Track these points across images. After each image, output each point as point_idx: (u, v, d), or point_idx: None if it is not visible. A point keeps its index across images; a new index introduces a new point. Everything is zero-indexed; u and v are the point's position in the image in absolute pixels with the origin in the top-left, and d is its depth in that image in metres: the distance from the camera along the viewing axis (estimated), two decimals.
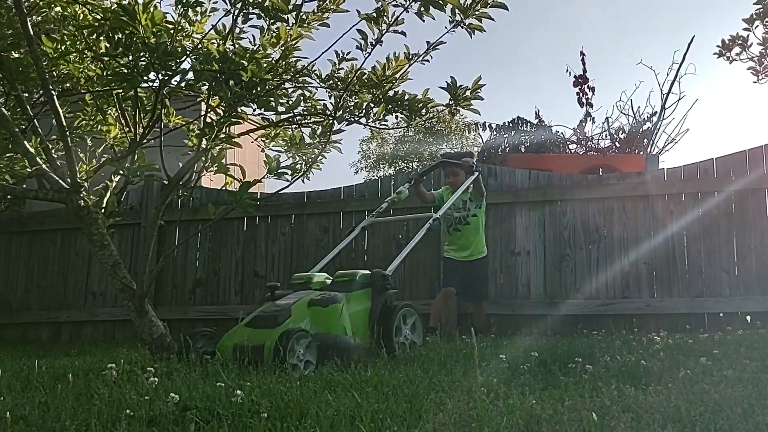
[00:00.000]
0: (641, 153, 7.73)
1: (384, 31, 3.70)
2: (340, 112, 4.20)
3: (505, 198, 5.42)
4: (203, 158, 4.10)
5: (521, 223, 5.39)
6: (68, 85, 4.57)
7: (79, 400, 2.28)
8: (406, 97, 4.24)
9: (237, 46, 3.98)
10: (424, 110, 4.22)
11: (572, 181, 5.42)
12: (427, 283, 5.55)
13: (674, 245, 5.08)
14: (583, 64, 8.25)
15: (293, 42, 3.97)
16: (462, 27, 3.59)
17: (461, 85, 3.98)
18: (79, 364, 3.45)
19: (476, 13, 3.54)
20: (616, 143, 8.07)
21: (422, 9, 3.53)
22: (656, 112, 7.85)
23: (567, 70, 8.27)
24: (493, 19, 3.57)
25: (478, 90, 3.95)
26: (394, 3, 3.62)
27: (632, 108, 8.05)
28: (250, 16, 4.00)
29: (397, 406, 2.15)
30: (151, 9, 3.37)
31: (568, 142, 8.17)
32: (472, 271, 4.99)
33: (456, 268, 5.02)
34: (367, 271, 3.97)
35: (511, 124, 7.89)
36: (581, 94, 8.16)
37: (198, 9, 3.96)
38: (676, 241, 5.08)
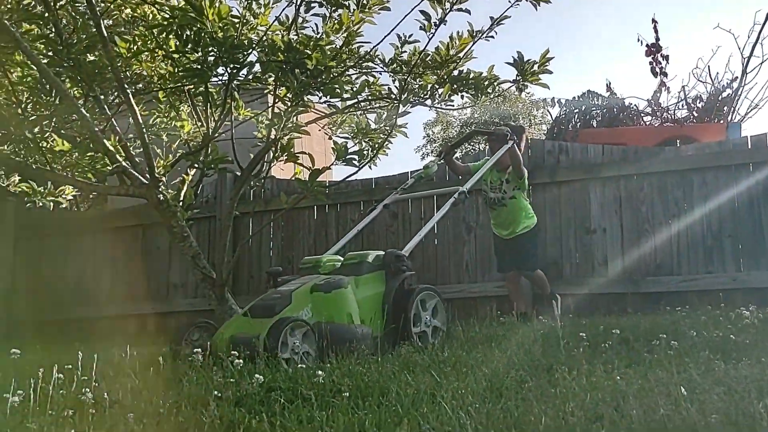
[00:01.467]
0: (721, 121, 7.36)
1: (448, 10, 3.66)
2: (405, 94, 4.19)
3: (577, 175, 5.26)
4: (273, 148, 4.19)
5: (596, 199, 5.23)
6: (141, 85, 4.74)
7: (169, 384, 2.38)
8: (471, 75, 4.19)
9: (301, 35, 4.03)
10: (490, 88, 4.16)
11: (648, 154, 5.22)
12: None
13: (761, 216, 4.82)
14: (656, 32, 7.92)
15: (355, 28, 3.99)
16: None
17: (528, 60, 3.90)
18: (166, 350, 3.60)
19: None
20: (694, 113, 7.72)
21: None
22: (737, 78, 7.46)
23: (638, 39, 7.96)
24: None
25: (547, 63, 3.86)
26: None
27: (710, 75, 7.69)
28: (312, 5, 4.04)
29: (476, 384, 2.14)
30: (218, 4, 3.44)
31: (642, 114, 7.87)
32: (514, 247, 4.68)
33: (501, 246, 4.81)
34: (380, 252, 3.64)
35: (581, 99, 7.66)
36: (654, 64, 7.84)
37: (261, 1, 4.02)
38: (763, 211, 4.82)
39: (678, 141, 6.38)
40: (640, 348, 2.83)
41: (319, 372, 2.18)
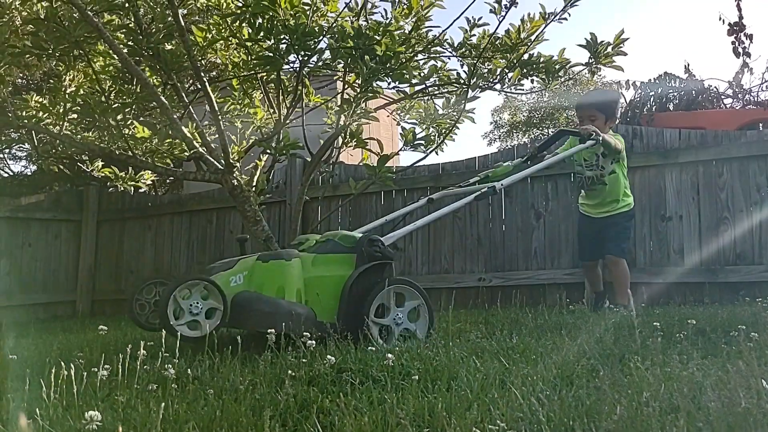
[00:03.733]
0: None
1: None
2: (474, 79, 4.15)
3: (652, 160, 5.10)
4: (342, 134, 4.24)
5: (672, 186, 5.06)
6: (215, 73, 4.88)
7: (245, 362, 2.47)
8: (542, 59, 4.11)
9: (370, 21, 4.05)
10: (561, 72, 4.07)
11: (729, 139, 4.99)
12: (569, 253, 5.38)
13: None
14: (739, 10, 7.54)
15: (425, 12, 3.98)
16: None
17: (602, 41, 3.80)
18: (241, 330, 3.73)
19: None
20: None
21: None
22: None
23: (720, 18, 7.60)
24: None
25: (621, 45, 3.74)
26: None
27: None
28: None
29: (546, 371, 2.13)
30: None
31: (722, 97, 7.52)
32: (609, 227, 4.21)
33: (591, 229, 4.32)
34: (357, 234, 3.31)
35: (657, 81, 7.38)
36: (737, 43, 7.47)
37: None
38: None
39: (761, 124, 6.06)
40: (718, 339, 2.74)
41: (389, 355, 2.22)
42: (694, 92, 7.31)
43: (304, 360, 2.30)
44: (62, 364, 2.05)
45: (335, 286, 2.99)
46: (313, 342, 2.40)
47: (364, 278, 3.01)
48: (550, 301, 4.98)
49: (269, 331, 2.48)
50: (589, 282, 4.67)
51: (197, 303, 2.75)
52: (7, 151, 10.86)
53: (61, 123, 4.32)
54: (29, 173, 11.31)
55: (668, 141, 5.13)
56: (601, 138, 3.91)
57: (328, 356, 2.21)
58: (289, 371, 2.09)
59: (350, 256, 3.10)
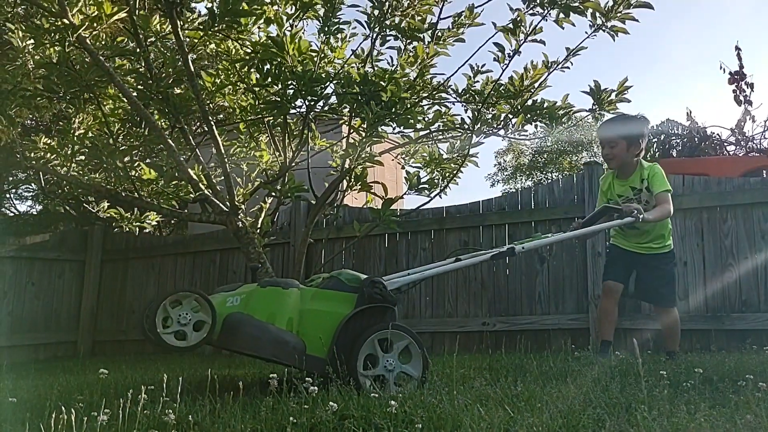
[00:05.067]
0: None
1: (522, 42, 3.66)
2: (478, 125, 4.20)
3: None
4: (347, 177, 4.27)
5: (676, 231, 5.05)
6: (222, 115, 4.96)
7: (246, 408, 2.44)
8: (546, 105, 4.17)
9: (376, 68, 4.12)
10: (565, 117, 4.12)
11: (732, 186, 5.01)
12: (574, 298, 5.35)
13: None
14: (739, 59, 7.66)
15: (429, 60, 4.05)
16: (604, 30, 3.48)
17: (606, 89, 3.85)
18: (242, 373, 3.69)
19: (618, 15, 3.41)
20: None
21: (561, 16, 3.46)
22: None
23: (721, 67, 7.72)
24: (637, 20, 3.43)
25: (625, 92, 3.80)
26: (531, 12, 3.58)
27: None
28: (387, 38, 4.13)
29: (552, 421, 2.10)
30: (298, 40, 3.57)
31: (725, 144, 7.58)
32: (651, 264, 3.84)
33: (623, 255, 3.91)
34: (363, 275, 3.21)
35: (660, 127, 7.45)
36: (738, 92, 7.57)
37: (338, 35, 4.15)
38: None
39: (765, 171, 6.09)
40: (725, 389, 2.70)
41: (392, 402, 2.19)
42: (697, 139, 7.38)
43: (305, 406, 2.27)
44: (62, 407, 2.03)
45: (331, 322, 2.93)
46: (315, 388, 2.37)
47: (360, 319, 2.94)
48: (555, 347, 4.93)
49: (271, 375, 2.45)
50: (602, 315, 3.94)
51: (186, 314, 2.74)
52: (13, 191, 10.95)
53: (68, 164, 4.37)
54: (35, 213, 11.38)
55: (672, 187, 5.13)
56: (641, 217, 3.58)
57: (331, 402, 2.18)
58: (291, 418, 2.07)
59: (351, 296, 3.04)
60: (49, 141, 4.52)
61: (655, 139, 7.42)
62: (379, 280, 3.06)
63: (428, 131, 4.45)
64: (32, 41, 4.05)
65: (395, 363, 2.92)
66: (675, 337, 3.93)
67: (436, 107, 4.39)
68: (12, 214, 11.40)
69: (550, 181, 14.82)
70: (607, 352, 3.67)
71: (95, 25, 3.97)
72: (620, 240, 3.98)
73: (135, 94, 4.16)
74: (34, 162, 4.50)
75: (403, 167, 4.99)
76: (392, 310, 3.06)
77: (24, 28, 4.10)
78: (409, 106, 3.99)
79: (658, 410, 2.21)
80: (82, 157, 4.50)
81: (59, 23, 3.85)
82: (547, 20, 3.57)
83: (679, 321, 3.94)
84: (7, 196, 11.13)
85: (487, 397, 2.57)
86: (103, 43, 4.23)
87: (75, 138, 4.35)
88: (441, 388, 2.76)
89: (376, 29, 3.97)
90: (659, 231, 3.88)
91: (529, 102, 4.16)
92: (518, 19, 3.62)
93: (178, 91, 4.31)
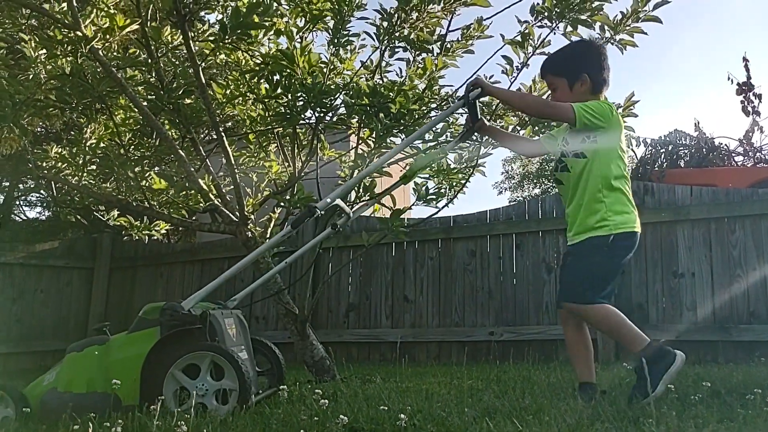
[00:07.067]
0: None
1: (530, 55, 3.68)
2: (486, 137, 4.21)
3: (664, 216, 5.12)
4: (356, 188, 4.29)
5: (683, 242, 5.06)
6: (230, 124, 4.99)
7: (256, 420, 2.46)
8: None
9: (385, 79, 4.15)
10: None
11: (741, 196, 5.02)
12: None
13: None
14: (747, 70, 7.68)
15: (438, 72, 4.07)
16: (612, 44, 3.50)
17: (612, 103, 3.85)
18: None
19: (627, 28, 3.43)
20: None
21: (569, 29, 3.48)
22: None
23: (729, 78, 7.73)
24: (646, 33, 3.44)
25: (632, 107, 3.80)
26: (539, 25, 3.60)
27: None
28: (396, 50, 4.16)
29: None
30: (308, 53, 3.60)
31: (733, 155, 7.58)
32: (570, 261, 2.79)
33: (564, 259, 2.92)
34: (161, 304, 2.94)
35: (667, 138, 7.46)
36: (746, 103, 7.58)
37: (348, 47, 4.18)
38: None
39: None
40: (733, 402, 2.70)
41: (402, 415, 2.20)
42: (704, 149, 7.38)
43: (315, 418, 2.29)
44: (77, 418, 2.05)
45: (136, 365, 2.71)
46: (326, 401, 2.39)
47: (161, 351, 2.72)
48: (563, 357, 4.93)
49: (281, 387, 2.46)
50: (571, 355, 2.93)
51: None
52: (23, 198, 11.05)
53: (80, 174, 4.41)
54: (43, 218, 11.47)
55: (680, 197, 5.15)
56: (487, 90, 2.81)
57: (341, 416, 2.20)
58: (302, 431, 2.08)
59: (154, 330, 2.83)
60: (60, 150, 4.57)
61: (663, 150, 7.43)
62: (171, 304, 2.86)
63: (436, 142, 4.46)
64: (44, 51, 4.10)
65: (207, 384, 2.69)
66: (623, 335, 2.66)
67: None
68: (20, 220, 11.49)
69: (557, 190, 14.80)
70: (587, 393, 2.75)
71: (107, 36, 4.02)
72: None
73: (146, 104, 4.21)
74: (45, 171, 4.55)
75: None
76: (198, 330, 2.79)
77: (37, 39, 4.16)
78: (417, 117, 4.01)
79: (666, 425, 2.22)
80: (94, 167, 4.54)
81: (72, 35, 3.90)
82: (555, 33, 3.59)
83: (615, 316, 2.64)
84: (17, 203, 11.22)
85: (495, 410, 2.59)
86: (114, 54, 4.27)
87: (87, 148, 4.39)
88: (450, 400, 2.78)
89: (386, 41, 3.99)
90: (583, 210, 2.71)
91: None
92: (527, 32, 3.64)
93: (189, 101, 4.35)
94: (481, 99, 4.29)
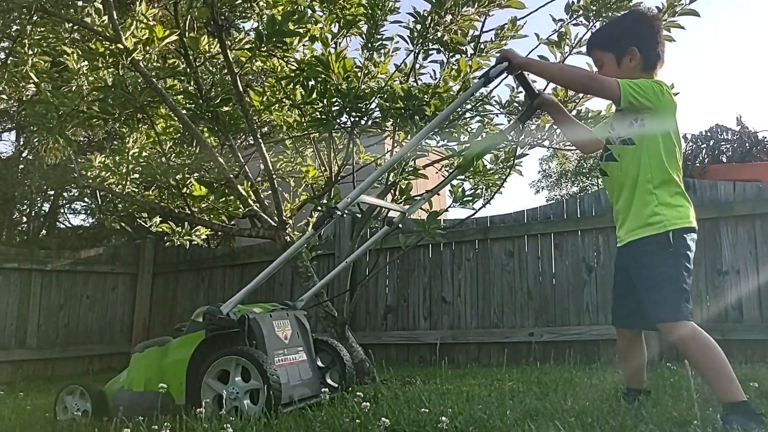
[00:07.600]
0: None
1: (567, 54, 3.66)
2: (522, 136, 4.19)
3: (707, 213, 5.00)
4: (392, 191, 4.32)
5: (727, 239, 4.95)
6: (266, 129, 5.06)
7: (299, 422, 2.50)
8: (590, 114, 4.14)
9: (419, 82, 4.16)
10: None
11: None
12: None
13: None
14: None
15: (472, 74, 4.06)
16: None
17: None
18: None
19: (664, 23, 3.38)
20: None
21: None
22: None
23: None
24: (683, 28, 3.38)
25: None
26: (574, 23, 3.57)
27: None
28: (430, 52, 4.17)
29: None
30: (343, 59, 3.64)
31: None
32: (634, 267, 2.41)
33: (617, 269, 2.62)
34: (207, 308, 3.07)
35: (709, 133, 7.29)
36: None
37: (381, 51, 4.20)
38: None
39: None
40: None
41: (443, 418, 2.21)
42: (747, 144, 7.19)
43: (357, 421, 2.32)
44: (127, 421, 2.11)
45: (182, 368, 2.90)
46: (368, 404, 2.41)
47: (201, 354, 2.88)
48: (605, 358, 4.87)
49: (323, 390, 2.49)
50: (621, 362, 2.83)
51: (76, 403, 3.11)
52: (67, 205, 11.36)
53: (124, 182, 4.53)
54: (87, 225, 11.78)
55: (722, 194, 5.04)
56: (517, 62, 2.55)
57: (383, 418, 2.22)
58: None
59: (202, 333, 2.97)
60: (104, 160, 4.69)
61: (704, 145, 7.27)
62: (212, 308, 2.96)
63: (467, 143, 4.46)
64: (86, 63, 4.22)
65: (238, 388, 2.77)
66: (716, 373, 2.36)
67: (479, 118, 4.40)
68: (64, 227, 11.81)
69: (596, 189, 14.60)
70: (632, 397, 2.64)
71: (147, 47, 4.12)
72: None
73: (186, 113, 4.30)
74: (90, 180, 4.68)
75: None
76: (236, 333, 2.92)
77: (79, 51, 4.28)
78: (452, 119, 4.01)
79: (713, 427, 2.18)
80: (137, 175, 4.65)
81: (113, 47, 4.01)
82: (592, 31, 3.54)
83: (711, 349, 2.36)
84: (62, 210, 11.55)
85: (537, 412, 2.57)
86: (154, 64, 4.38)
87: (130, 157, 4.51)
88: (491, 402, 2.78)
89: (419, 44, 4.00)
90: (635, 204, 2.37)
91: (574, 112, 4.14)
92: (563, 31, 3.61)
93: (227, 109, 4.43)
94: (517, 99, 4.30)
